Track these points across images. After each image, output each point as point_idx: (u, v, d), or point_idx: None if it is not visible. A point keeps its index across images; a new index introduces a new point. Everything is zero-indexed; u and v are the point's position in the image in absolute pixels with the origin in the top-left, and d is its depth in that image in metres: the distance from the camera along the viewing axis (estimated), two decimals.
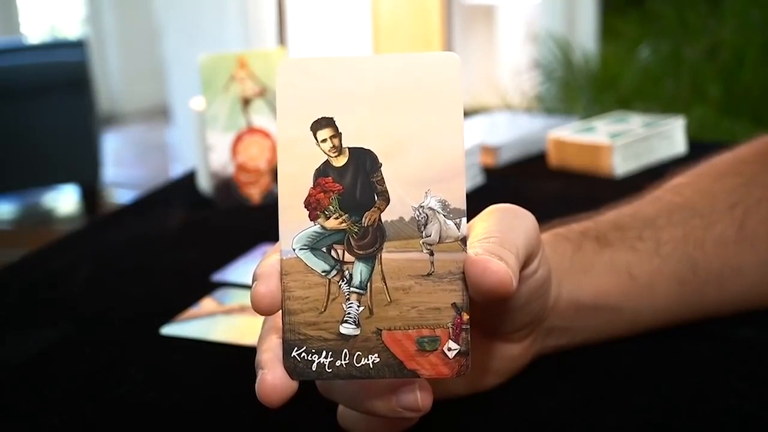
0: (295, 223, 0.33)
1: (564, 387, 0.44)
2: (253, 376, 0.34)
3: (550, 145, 0.92)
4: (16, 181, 2.96)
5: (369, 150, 0.33)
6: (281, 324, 0.33)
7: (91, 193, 3.11)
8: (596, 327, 0.46)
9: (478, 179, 0.85)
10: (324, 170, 0.33)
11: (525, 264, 0.36)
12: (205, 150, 0.82)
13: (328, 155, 0.33)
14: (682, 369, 0.45)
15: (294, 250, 0.33)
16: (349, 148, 0.33)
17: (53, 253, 0.72)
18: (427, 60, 0.33)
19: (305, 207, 0.33)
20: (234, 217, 0.79)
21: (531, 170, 0.91)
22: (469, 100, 2.83)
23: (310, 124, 0.33)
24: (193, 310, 0.57)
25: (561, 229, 0.48)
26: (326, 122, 0.33)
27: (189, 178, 0.91)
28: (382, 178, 0.33)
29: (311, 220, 0.33)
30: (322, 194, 0.33)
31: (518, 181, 0.88)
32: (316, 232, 0.33)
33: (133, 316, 0.57)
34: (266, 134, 0.81)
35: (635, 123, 0.94)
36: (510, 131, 0.98)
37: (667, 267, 0.47)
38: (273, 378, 0.33)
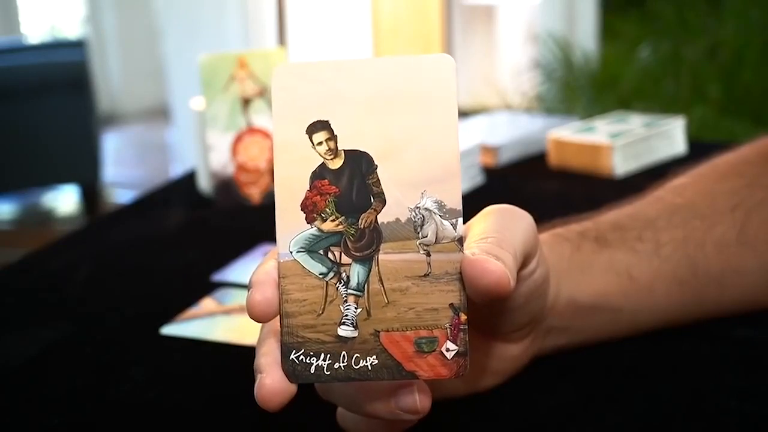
0: (292, 226, 0.33)
1: (564, 386, 0.44)
2: (253, 376, 0.34)
3: (550, 145, 0.92)
4: (16, 181, 2.96)
5: (364, 152, 0.33)
6: (279, 327, 0.33)
7: (91, 193, 3.11)
8: (595, 327, 0.46)
9: (478, 179, 0.85)
10: (320, 173, 0.33)
11: (523, 264, 0.36)
12: (205, 150, 0.82)
13: (324, 158, 0.33)
14: (682, 369, 0.45)
15: (291, 252, 0.33)
16: (344, 151, 0.33)
17: (53, 253, 0.72)
18: (422, 62, 0.33)
19: (302, 210, 0.33)
20: (234, 217, 0.79)
21: (531, 170, 0.91)
22: (469, 100, 2.83)
23: (305, 128, 0.33)
24: (193, 310, 0.57)
25: (560, 230, 0.48)
26: (321, 125, 0.33)
27: (189, 178, 0.91)
28: (378, 180, 0.33)
29: (308, 223, 0.33)
30: (318, 197, 0.33)
31: (518, 181, 0.88)
32: (313, 234, 0.34)
33: (133, 316, 0.57)
34: (266, 134, 0.81)
35: (635, 123, 0.94)
36: (510, 131, 0.98)
37: (667, 268, 0.47)
38: (272, 381, 0.33)
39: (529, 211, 0.38)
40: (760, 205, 0.49)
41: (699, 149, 0.81)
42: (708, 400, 0.42)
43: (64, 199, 3.34)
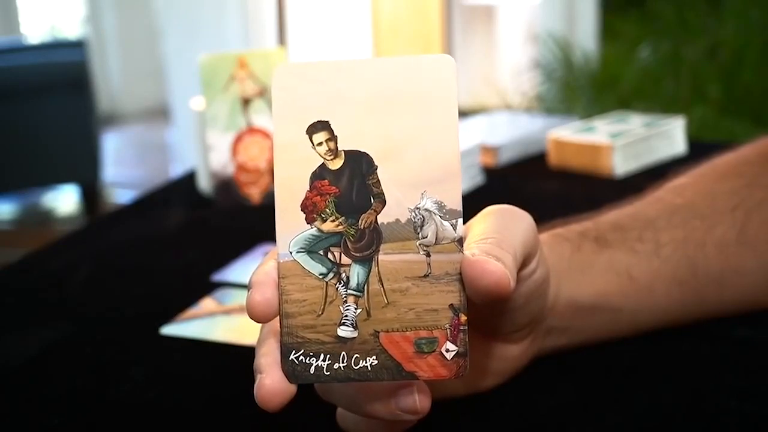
0: (292, 227, 0.33)
1: (564, 387, 0.44)
2: (253, 376, 0.34)
3: (550, 145, 0.92)
4: (16, 181, 2.96)
5: (365, 152, 0.33)
6: (279, 327, 0.33)
7: (91, 193, 3.11)
8: (595, 327, 0.46)
9: (478, 179, 0.85)
10: (320, 173, 0.33)
11: (523, 264, 0.36)
12: (205, 150, 0.82)
13: (324, 158, 0.33)
14: (682, 369, 0.45)
15: (291, 253, 0.33)
16: (344, 151, 0.33)
17: (53, 253, 0.72)
18: (422, 62, 0.33)
19: (302, 210, 0.33)
20: (234, 217, 0.79)
21: (531, 170, 0.91)
22: (469, 100, 2.83)
23: (305, 128, 0.33)
24: (193, 310, 0.57)
25: (560, 230, 0.47)
26: (322, 125, 0.33)
27: (189, 178, 0.91)
28: (378, 180, 0.33)
29: (308, 223, 0.33)
30: (318, 197, 0.33)
31: (518, 181, 0.88)
32: (312, 235, 0.34)
33: (133, 316, 0.57)
34: (266, 134, 0.81)
35: (635, 123, 0.94)
36: (510, 131, 0.98)
37: (667, 268, 0.47)
38: (272, 382, 0.33)
39: (529, 211, 0.38)
40: (760, 205, 0.49)
41: (699, 149, 0.81)
42: (708, 400, 0.42)
43: (64, 199, 3.34)
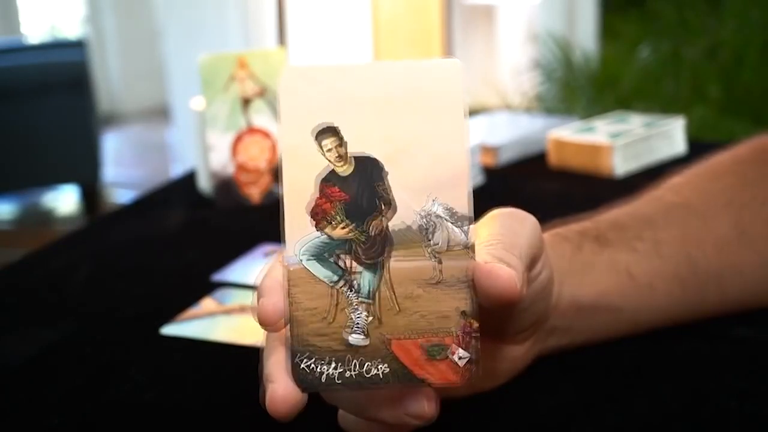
0: (300, 233, 0.33)
1: (564, 387, 0.44)
2: (253, 375, 0.34)
3: (550, 145, 0.92)
4: (16, 181, 2.96)
5: (374, 158, 0.33)
6: (288, 335, 0.33)
7: (91, 193, 3.11)
8: (596, 327, 0.46)
9: (478, 179, 0.85)
10: (329, 179, 0.33)
11: (529, 267, 0.36)
12: (205, 150, 0.82)
13: (333, 164, 0.33)
14: (682, 369, 0.45)
15: (300, 260, 0.33)
16: (354, 157, 0.33)
17: (53, 253, 0.72)
18: (430, 66, 0.33)
19: (311, 216, 0.33)
20: (234, 217, 0.79)
21: (531, 170, 0.91)
22: (469, 100, 2.83)
23: (313, 132, 0.33)
24: (193, 310, 0.57)
25: (561, 230, 0.47)
26: (330, 131, 0.33)
27: (189, 178, 0.91)
28: (388, 185, 0.33)
29: (317, 230, 0.33)
30: (327, 203, 0.33)
31: (518, 181, 0.87)
32: (322, 241, 0.33)
33: (133, 316, 0.57)
34: (266, 134, 0.81)
35: (635, 123, 0.94)
36: (510, 131, 0.98)
37: (667, 267, 0.47)
38: (283, 391, 0.32)
39: (530, 212, 0.38)
40: (756, 204, 0.49)
41: (699, 149, 0.81)
42: (708, 400, 0.42)
43: (64, 199, 3.34)
